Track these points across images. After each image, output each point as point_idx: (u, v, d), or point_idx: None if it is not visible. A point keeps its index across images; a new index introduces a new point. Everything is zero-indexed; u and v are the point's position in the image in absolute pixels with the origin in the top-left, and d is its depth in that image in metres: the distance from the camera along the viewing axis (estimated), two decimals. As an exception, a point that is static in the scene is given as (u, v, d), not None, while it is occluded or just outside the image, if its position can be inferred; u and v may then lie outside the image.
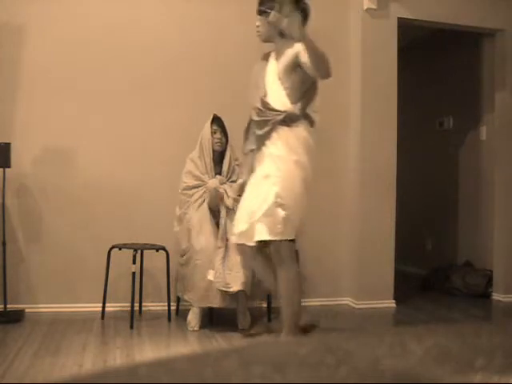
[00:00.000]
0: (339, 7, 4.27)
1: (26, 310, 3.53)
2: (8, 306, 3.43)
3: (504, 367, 0.38)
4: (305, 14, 2.76)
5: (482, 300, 4.47)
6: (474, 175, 5.08)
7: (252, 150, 2.86)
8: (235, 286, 3.16)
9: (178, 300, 3.69)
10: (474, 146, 5.08)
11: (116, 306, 3.67)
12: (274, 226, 2.65)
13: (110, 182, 3.82)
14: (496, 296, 4.49)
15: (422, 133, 5.88)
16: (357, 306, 4.05)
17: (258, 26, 2.86)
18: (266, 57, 2.91)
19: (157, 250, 3.55)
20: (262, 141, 2.77)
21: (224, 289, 3.16)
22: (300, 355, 0.41)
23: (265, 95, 2.75)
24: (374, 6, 4.11)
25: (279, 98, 2.73)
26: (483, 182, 4.92)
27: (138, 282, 3.57)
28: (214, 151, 3.54)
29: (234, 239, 2.89)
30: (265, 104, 2.75)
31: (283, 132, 2.71)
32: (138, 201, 3.85)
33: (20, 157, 3.60)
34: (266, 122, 2.73)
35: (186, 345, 3.05)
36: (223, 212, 3.40)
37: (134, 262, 3.36)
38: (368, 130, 4.13)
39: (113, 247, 3.51)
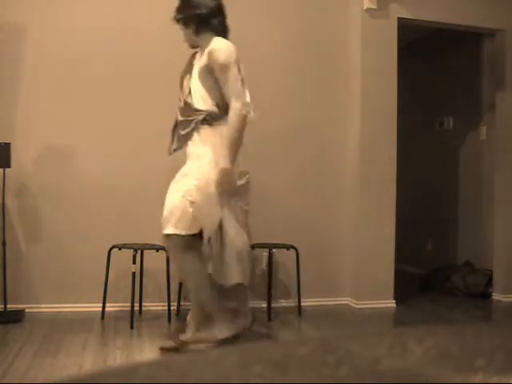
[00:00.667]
0: (339, 7, 4.27)
1: (26, 310, 3.53)
2: (8, 306, 3.43)
3: (504, 367, 0.38)
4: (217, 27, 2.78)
5: (482, 300, 4.47)
6: (474, 175, 5.08)
7: (175, 150, 2.89)
8: (235, 279, 3.13)
9: (179, 300, 3.68)
10: (474, 145, 5.08)
11: (116, 306, 3.67)
12: (179, 221, 2.71)
13: (109, 181, 3.81)
14: (496, 296, 4.49)
15: (422, 133, 5.88)
16: (357, 306, 4.05)
17: (183, 35, 2.87)
18: (192, 57, 2.92)
19: (157, 250, 3.55)
20: (184, 141, 2.80)
21: (222, 282, 3.14)
22: (300, 355, 0.41)
23: (187, 95, 2.76)
24: (374, 6, 4.11)
25: (201, 98, 2.73)
26: (483, 182, 4.92)
27: (138, 282, 3.57)
28: None
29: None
30: (187, 104, 2.76)
31: (204, 132, 2.72)
32: (137, 201, 3.85)
33: (20, 157, 3.60)
34: (189, 122, 2.75)
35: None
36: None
37: (134, 262, 3.36)
38: (368, 129, 4.13)
39: (113, 247, 3.51)
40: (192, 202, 2.66)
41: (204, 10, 2.72)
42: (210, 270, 3.02)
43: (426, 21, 4.34)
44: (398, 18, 4.19)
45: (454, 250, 5.32)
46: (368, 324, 3.65)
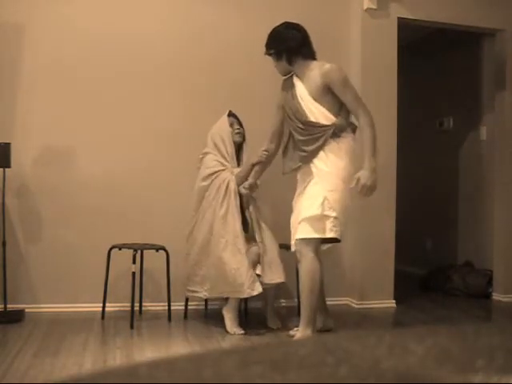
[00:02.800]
0: (339, 7, 4.27)
1: (26, 310, 3.53)
2: (8, 305, 3.44)
3: (504, 367, 0.38)
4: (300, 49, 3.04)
5: (482, 300, 4.47)
6: (474, 175, 5.07)
7: (295, 169, 3.07)
8: (278, 278, 3.34)
9: (187, 301, 3.64)
10: (474, 145, 5.08)
11: (116, 306, 3.67)
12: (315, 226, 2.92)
13: (109, 181, 3.82)
14: (496, 296, 4.49)
15: (422, 133, 5.88)
16: (357, 306, 4.05)
17: (275, 67, 3.16)
18: (285, 84, 3.15)
19: (157, 250, 3.55)
20: (308, 159, 2.96)
21: (269, 282, 3.30)
22: (300, 355, 0.41)
23: (306, 118, 2.96)
24: (374, 6, 4.11)
25: (322, 114, 2.94)
26: (483, 182, 4.92)
27: (138, 282, 3.57)
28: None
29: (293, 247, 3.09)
30: (309, 124, 2.95)
31: (330, 147, 2.92)
32: (138, 201, 3.85)
33: (20, 157, 3.60)
34: (316, 139, 2.93)
35: (185, 345, 3.05)
36: (251, 207, 3.46)
37: (134, 262, 3.36)
38: (368, 129, 4.13)
39: (113, 247, 3.51)
40: (332, 209, 2.89)
41: (293, 43, 3.02)
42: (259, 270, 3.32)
43: (425, 21, 4.34)
44: (398, 17, 4.19)
45: (453, 249, 5.32)
46: (368, 324, 3.65)
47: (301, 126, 2.98)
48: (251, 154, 3.66)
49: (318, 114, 2.94)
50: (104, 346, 2.97)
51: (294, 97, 3.02)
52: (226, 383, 0.37)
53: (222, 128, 3.52)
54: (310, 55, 3.06)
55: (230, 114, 3.59)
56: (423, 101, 5.87)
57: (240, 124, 3.59)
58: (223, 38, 4.03)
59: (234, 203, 3.32)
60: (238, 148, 3.58)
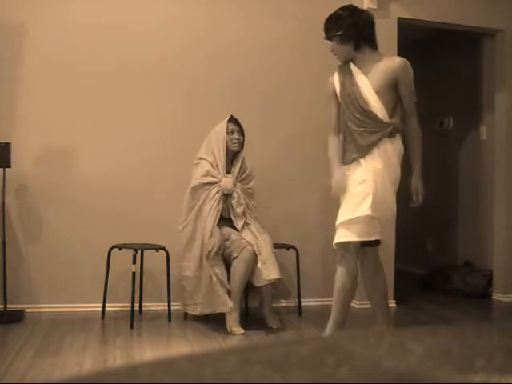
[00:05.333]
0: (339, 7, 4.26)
1: (26, 310, 3.53)
2: (8, 305, 3.44)
3: (504, 367, 0.38)
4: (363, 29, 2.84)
5: (482, 300, 4.47)
6: (474, 175, 5.07)
7: (353, 160, 2.85)
8: (273, 275, 3.33)
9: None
10: (474, 146, 5.08)
11: (116, 306, 3.68)
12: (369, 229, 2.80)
13: (109, 181, 3.82)
14: (496, 296, 4.49)
15: (422, 133, 5.86)
16: (357, 306, 4.05)
17: (332, 51, 2.92)
18: (342, 70, 2.93)
19: (157, 250, 3.55)
20: (365, 151, 2.80)
21: (265, 279, 3.32)
22: (300, 355, 0.41)
23: (368, 107, 2.79)
24: (373, 6, 4.10)
25: (380, 110, 2.79)
26: (483, 181, 4.92)
27: (138, 282, 3.57)
28: (227, 150, 3.51)
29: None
30: (368, 115, 2.78)
31: (384, 145, 2.79)
32: (138, 201, 3.85)
33: (20, 157, 3.60)
34: (371, 133, 2.78)
35: (186, 345, 3.05)
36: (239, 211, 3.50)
37: (134, 262, 3.36)
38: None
39: (113, 247, 3.51)
40: (373, 217, 2.75)
41: (367, 29, 2.83)
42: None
43: (426, 21, 4.34)
44: (398, 18, 4.19)
45: (454, 250, 5.32)
46: (368, 324, 3.65)
47: (358, 116, 2.80)
48: (249, 156, 3.66)
49: (377, 109, 2.78)
50: (104, 345, 2.97)
51: (353, 84, 2.82)
52: (225, 383, 0.37)
53: (219, 133, 3.52)
54: (376, 45, 2.91)
55: (232, 120, 3.55)
56: (423, 101, 5.86)
57: (241, 131, 3.56)
58: (224, 38, 4.03)
59: (211, 223, 3.36)
60: (233, 155, 3.58)
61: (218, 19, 4.02)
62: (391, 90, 2.80)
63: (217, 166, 3.48)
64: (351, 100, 2.83)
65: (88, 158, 3.79)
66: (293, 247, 3.81)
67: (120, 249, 3.48)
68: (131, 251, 3.38)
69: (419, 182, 2.87)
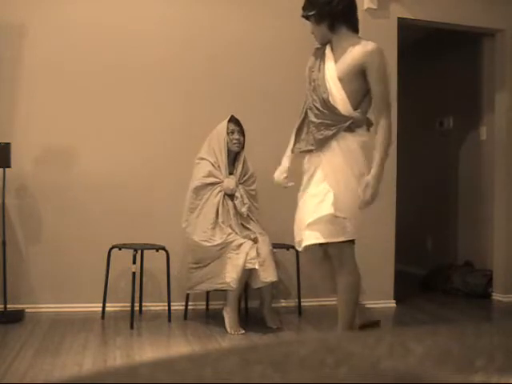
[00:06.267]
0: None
1: (26, 310, 3.53)
2: (8, 305, 3.44)
3: (504, 367, 0.38)
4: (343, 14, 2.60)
5: (482, 300, 4.47)
6: (474, 175, 5.07)
7: (307, 152, 2.66)
8: (270, 277, 3.32)
9: (187, 301, 3.64)
10: (474, 146, 5.08)
11: (116, 306, 3.67)
12: (333, 230, 2.58)
13: (110, 181, 3.81)
14: (496, 296, 4.49)
15: (422, 133, 5.88)
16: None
17: (312, 33, 2.71)
18: (317, 52, 2.71)
19: (157, 250, 3.55)
20: (320, 145, 2.58)
21: (263, 281, 3.31)
22: (300, 355, 0.41)
23: (327, 96, 2.56)
24: (374, 6, 4.11)
25: (342, 101, 2.55)
26: (483, 181, 4.92)
27: (138, 282, 3.57)
28: (228, 151, 3.51)
29: (301, 248, 2.70)
30: (328, 106, 2.56)
31: (344, 140, 2.56)
32: (137, 201, 3.85)
33: (20, 157, 3.60)
34: (327, 126, 2.56)
35: (186, 345, 3.05)
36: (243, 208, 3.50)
37: (134, 262, 3.36)
38: (368, 129, 4.12)
39: (113, 247, 3.51)
40: (344, 218, 2.55)
41: (340, 6, 2.57)
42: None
43: (426, 21, 4.34)
44: (398, 18, 4.19)
45: (454, 249, 5.32)
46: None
47: (318, 105, 2.59)
48: (249, 156, 3.66)
49: (338, 99, 2.55)
50: (104, 345, 2.97)
51: (320, 69, 2.62)
52: (225, 383, 0.37)
53: (219, 133, 3.52)
54: (354, 27, 2.63)
55: (232, 120, 3.55)
56: (423, 101, 5.87)
57: (241, 132, 3.56)
58: (224, 38, 4.02)
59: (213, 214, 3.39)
60: (235, 156, 3.58)
61: (217, 19, 4.02)
62: (359, 79, 2.54)
63: (219, 166, 3.48)
64: (314, 87, 2.62)
65: (88, 158, 3.79)
66: (293, 247, 3.80)
67: (120, 249, 3.48)
68: (131, 251, 3.38)
69: (371, 184, 2.53)
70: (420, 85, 5.90)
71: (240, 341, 3.14)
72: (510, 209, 4.51)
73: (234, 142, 3.51)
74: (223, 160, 3.48)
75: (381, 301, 4.07)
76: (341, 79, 2.55)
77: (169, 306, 3.56)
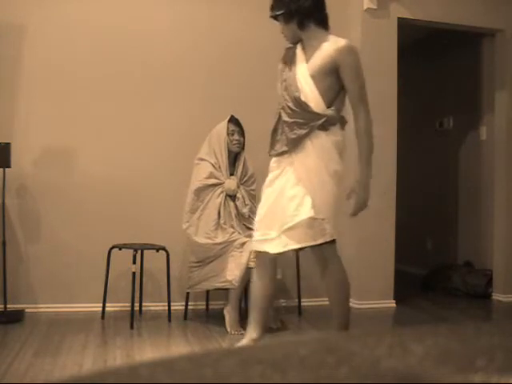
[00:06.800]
0: (339, 7, 4.26)
1: (26, 310, 3.53)
2: (8, 305, 3.44)
3: (504, 367, 0.38)
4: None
5: (482, 300, 4.47)
6: (474, 175, 5.07)
7: (282, 153, 2.58)
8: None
9: (187, 301, 3.64)
10: (474, 146, 5.08)
11: (116, 306, 3.67)
12: (314, 234, 2.50)
13: (110, 181, 3.82)
14: (496, 296, 4.49)
15: (422, 133, 5.88)
16: (357, 306, 4.05)
17: (282, 33, 2.65)
18: (288, 52, 2.67)
19: (157, 250, 3.55)
20: (293, 145, 2.52)
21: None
22: (300, 355, 0.41)
23: (299, 94, 2.50)
24: (374, 6, 4.11)
25: (314, 100, 2.49)
26: (483, 182, 4.92)
27: (138, 282, 3.57)
28: (229, 151, 3.51)
29: (254, 245, 2.66)
30: (300, 104, 2.50)
31: (318, 139, 2.49)
32: (138, 201, 3.85)
33: (20, 157, 3.60)
34: (300, 125, 2.50)
35: (186, 345, 3.05)
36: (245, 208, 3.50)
37: (134, 262, 3.36)
38: (368, 129, 4.12)
39: (113, 247, 3.51)
40: (322, 220, 2.47)
41: (307, 3, 2.52)
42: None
43: (426, 21, 4.34)
44: (398, 18, 4.19)
45: (454, 249, 5.32)
46: (368, 324, 3.65)
47: (290, 105, 2.52)
48: (249, 156, 3.66)
49: (311, 97, 2.49)
50: (104, 346, 2.97)
51: (291, 69, 2.57)
52: (225, 383, 0.37)
53: (220, 134, 3.52)
54: (324, 23, 2.58)
55: (232, 120, 3.55)
56: (423, 101, 5.87)
57: (241, 132, 3.56)
58: (224, 38, 4.02)
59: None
60: (235, 156, 3.58)
61: (218, 20, 4.02)
62: (331, 77, 2.47)
63: (219, 167, 3.48)
64: (286, 86, 2.56)
65: (88, 159, 3.79)
66: (293, 247, 3.81)
67: (120, 249, 3.48)
68: (131, 251, 3.38)
69: (360, 189, 2.50)
70: (420, 85, 5.90)
71: (240, 341, 3.14)
72: (509, 209, 4.51)
73: (235, 142, 3.51)
74: (224, 161, 3.48)
75: (381, 301, 4.07)
76: (313, 77, 2.49)
77: (169, 306, 3.56)
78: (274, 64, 4.19)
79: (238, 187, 3.49)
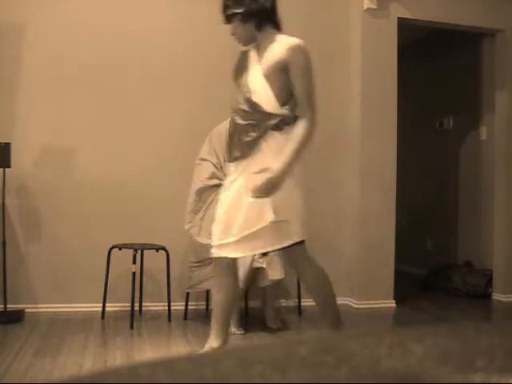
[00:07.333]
0: (339, 7, 4.27)
1: (26, 310, 3.53)
2: (8, 305, 3.44)
3: (504, 367, 0.38)
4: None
5: (482, 300, 4.47)
6: (474, 175, 5.08)
7: (239, 158, 2.50)
8: (278, 275, 3.33)
9: (187, 301, 3.64)
10: (474, 146, 5.08)
11: (116, 306, 3.68)
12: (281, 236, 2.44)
13: (110, 181, 3.82)
14: (496, 296, 4.49)
15: (422, 133, 5.88)
16: (357, 306, 4.05)
17: (233, 35, 2.56)
18: (243, 56, 2.63)
19: (157, 250, 3.55)
20: (249, 148, 2.45)
21: (271, 279, 3.31)
22: (300, 355, 0.41)
23: (250, 95, 2.44)
24: (374, 6, 4.11)
25: (267, 99, 2.42)
26: (483, 182, 4.92)
27: (138, 282, 3.58)
28: None
29: (213, 251, 2.55)
30: (252, 105, 2.44)
31: (273, 139, 2.42)
32: (137, 201, 3.85)
33: (20, 157, 3.60)
34: (254, 127, 2.43)
35: (185, 345, 3.05)
36: None
37: (134, 262, 3.36)
38: (368, 129, 4.13)
39: (113, 247, 3.51)
40: (286, 221, 2.40)
41: (268, 4, 2.47)
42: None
43: (426, 21, 4.34)
44: (398, 18, 4.19)
45: (454, 249, 5.32)
46: (368, 324, 3.65)
47: (244, 107, 2.46)
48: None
49: (264, 97, 2.42)
50: (104, 346, 2.97)
51: (245, 72, 2.52)
52: (225, 383, 0.37)
53: (220, 134, 3.51)
54: (279, 26, 2.52)
55: None
56: (423, 101, 5.87)
57: None
58: (225, 38, 4.01)
59: None
60: None
61: (218, 20, 4.01)
62: (284, 76, 2.40)
63: (221, 167, 3.48)
64: (240, 89, 2.50)
65: (88, 158, 3.80)
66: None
67: (120, 249, 3.48)
68: (131, 251, 3.38)
69: (270, 180, 2.34)
70: (420, 85, 5.90)
71: (240, 341, 3.14)
72: (510, 209, 4.51)
73: None
74: (225, 161, 3.48)
75: (381, 301, 4.07)
76: (266, 77, 2.43)
77: (169, 306, 3.56)
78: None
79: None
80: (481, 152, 4.98)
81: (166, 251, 3.54)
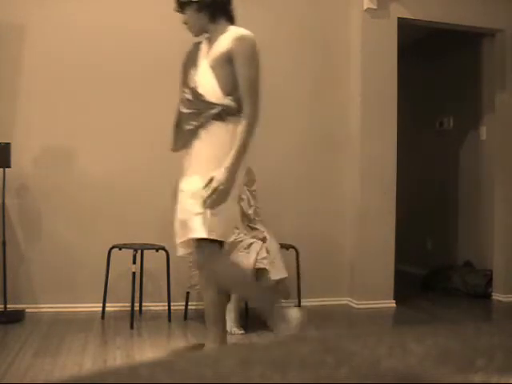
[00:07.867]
0: (339, 7, 4.27)
1: (26, 310, 3.53)
2: (8, 305, 3.44)
3: (504, 367, 0.38)
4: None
5: (482, 300, 4.47)
6: (474, 175, 5.08)
7: (181, 147, 2.53)
8: (281, 274, 3.33)
9: (187, 300, 3.64)
10: (474, 146, 5.08)
11: (116, 306, 3.67)
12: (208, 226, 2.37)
13: (109, 181, 3.82)
14: (496, 296, 4.49)
15: (422, 133, 5.88)
16: (357, 306, 4.05)
17: (185, 24, 2.55)
18: (193, 48, 2.64)
19: (157, 250, 3.55)
20: (190, 137, 2.45)
21: (273, 279, 3.30)
22: (300, 355, 0.41)
23: (195, 85, 2.44)
24: (374, 6, 4.11)
25: (212, 89, 2.40)
26: (483, 181, 4.92)
27: (138, 282, 3.58)
28: None
29: (179, 251, 2.53)
30: (195, 95, 2.43)
31: (215, 129, 2.39)
32: (137, 201, 3.85)
33: (20, 157, 3.60)
34: (196, 116, 2.41)
35: (185, 345, 3.05)
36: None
37: (134, 262, 3.36)
38: (368, 129, 4.13)
39: (113, 247, 3.51)
40: (213, 214, 2.34)
41: None
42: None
43: (426, 21, 4.35)
44: (398, 18, 4.19)
45: (454, 249, 5.32)
46: (368, 324, 3.65)
47: (189, 96, 2.44)
48: (249, 156, 3.66)
49: (208, 87, 2.41)
50: (104, 346, 2.97)
51: (194, 63, 2.53)
52: (225, 383, 0.37)
53: None
54: (232, 18, 2.56)
55: None
56: (423, 101, 5.87)
57: None
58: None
59: None
60: None
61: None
62: (230, 66, 2.38)
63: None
64: (187, 81, 2.50)
65: (88, 158, 3.80)
66: (293, 247, 3.81)
67: (120, 249, 3.48)
68: (131, 251, 3.38)
69: (222, 174, 2.30)
70: (420, 85, 5.90)
71: (240, 341, 3.14)
72: (509, 209, 4.51)
73: None
74: None
75: (381, 301, 4.07)
76: (212, 67, 2.42)
77: (169, 305, 3.56)
78: (274, 62, 4.20)
79: (243, 188, 3.49)
80: (481, 152, 4.98)
81: (166, 251, 3.54)
